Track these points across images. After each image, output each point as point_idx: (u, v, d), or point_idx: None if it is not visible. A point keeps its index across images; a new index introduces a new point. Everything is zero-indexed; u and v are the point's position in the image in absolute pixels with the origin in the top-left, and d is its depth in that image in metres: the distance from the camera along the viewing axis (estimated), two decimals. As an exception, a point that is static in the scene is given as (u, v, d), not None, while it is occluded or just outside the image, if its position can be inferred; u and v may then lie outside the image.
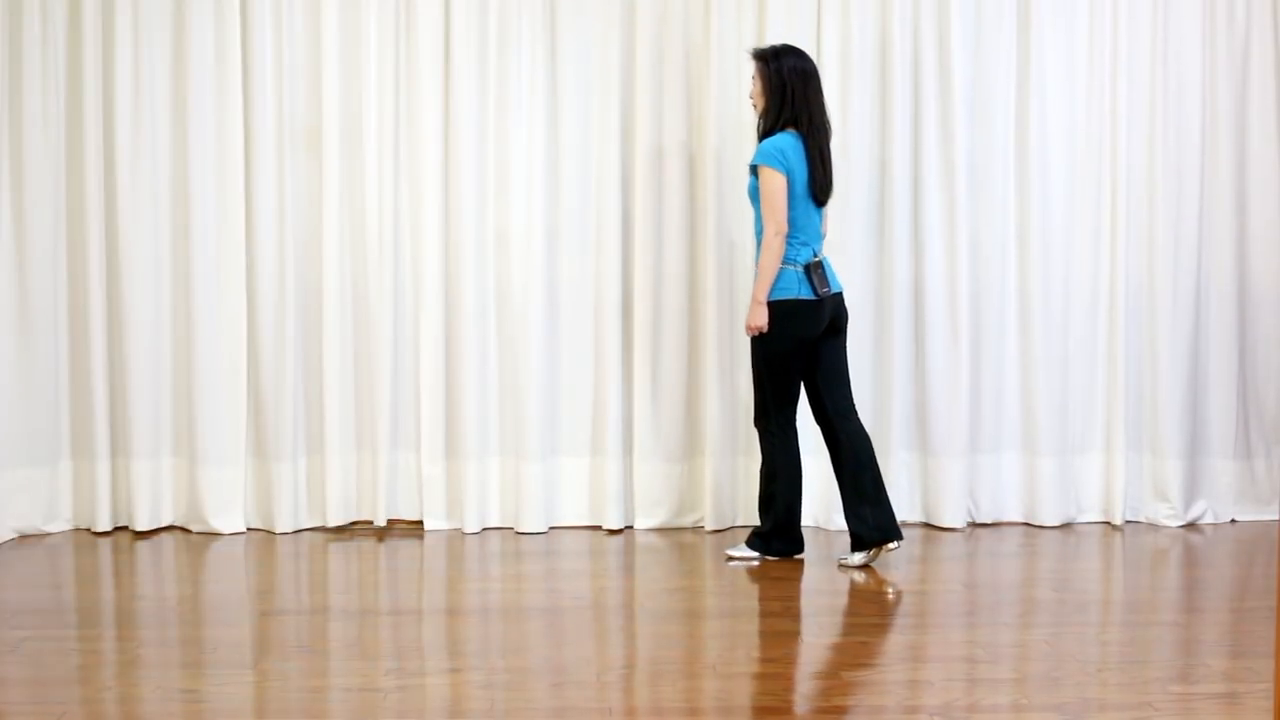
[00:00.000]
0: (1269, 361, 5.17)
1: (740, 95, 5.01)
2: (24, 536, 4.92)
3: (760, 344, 4.45)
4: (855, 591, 4.17)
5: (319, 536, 4.96)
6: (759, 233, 4.45)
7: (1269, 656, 3.38)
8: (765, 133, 4.46)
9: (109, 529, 4.96)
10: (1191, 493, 5.14)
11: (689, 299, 5.02)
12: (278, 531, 4.98)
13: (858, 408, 4.74)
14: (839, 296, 4.49)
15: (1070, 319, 5.10)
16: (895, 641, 3.65)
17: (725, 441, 5.03)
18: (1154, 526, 5.10)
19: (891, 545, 4.42)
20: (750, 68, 4.53)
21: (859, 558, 4.44)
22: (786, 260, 4.39)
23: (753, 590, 4.27)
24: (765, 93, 4.46)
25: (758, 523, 4.70)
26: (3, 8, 4.83)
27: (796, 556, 4.57)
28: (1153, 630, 3.71)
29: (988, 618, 3.85)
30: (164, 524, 5.03)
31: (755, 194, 4.43)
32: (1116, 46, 5.05)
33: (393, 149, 5.01)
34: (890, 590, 4.17)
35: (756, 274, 4.41)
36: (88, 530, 5.00)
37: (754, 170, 4.42)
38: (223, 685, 3.24)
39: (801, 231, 4.41)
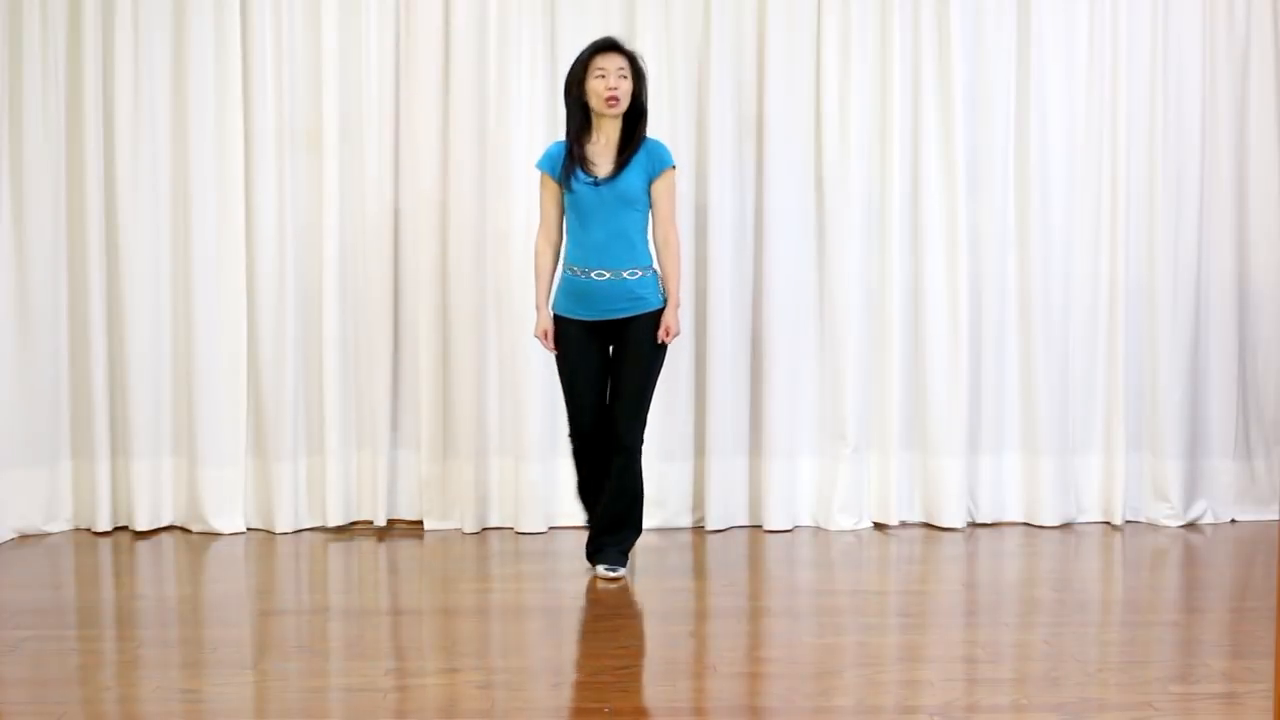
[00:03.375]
0: (1269, 361, 5.18)
1: (741, 94, 5.01)
2: (24, 536, 4.92)
3: (662, 353, 4.28)
4: (855, 591, 4.17)
5: (319, 536, 4.95)
6: (637, 233, 4.20)
7: (1269, 656, 3.37)
8: (643, 133, 4.23)
9: (109, 529, 4.96)
10: (1191, 493, 5.14)
11: (692, 298, 5.02)
12: (278, 531, 4.98)
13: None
14: None
15: (1070, 319, 5.11)
16: (895, 641, 3.65)
17: (727, 441, 5.03)
18: (1154, 526, 5.10)
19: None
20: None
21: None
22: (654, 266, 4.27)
23: (752, 590, 4.27)
24: (634, 92, 4.21)
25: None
26: (3, 8, 4.83)
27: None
28: (1153, 630, 3.70)
29: (988, 618, 3.85)
30: (164, 524, 5.03)
31: (645, 194, 4.21)
32: (1116, 46, 5.05)
33: (393, 149, 5.01)
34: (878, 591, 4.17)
35: (666, 276, 4.24)
36: (88, 530, 5.00)
37: (664, 171, 4.21)
38: (223, 685, 3.23)
39: None
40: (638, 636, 3.71)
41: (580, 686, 3.25)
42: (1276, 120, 5.13)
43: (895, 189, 5.02)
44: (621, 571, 4.30)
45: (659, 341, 4.24)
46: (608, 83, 4.14)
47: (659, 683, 3.29)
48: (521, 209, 4.98)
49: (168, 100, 4.96)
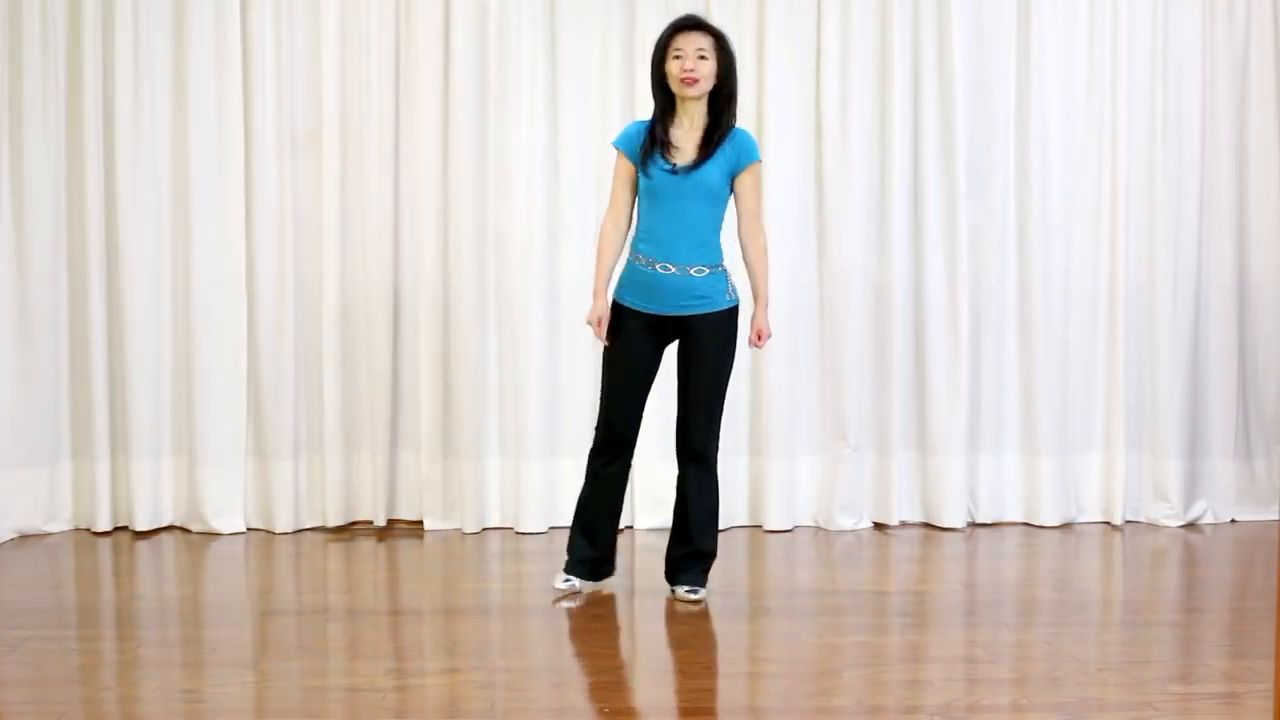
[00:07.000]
0: (1269, 361, 5.18)
1: (742, 94, 4.98)
2: (24, 536, 4.92)
3: (733, 354, 4.04)
4: (855, 591, 4.17)
5: (319, 536, 4.95)
6: (710, 228, 3.93)
7: (1269, 656, 3.37)
8: (730, 123, 3.94)
9: (109, 529, 4.96)
10: (1191, 493, 5.14)
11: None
12: (278, 531, 4.98)
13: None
14: None
15: (1070, 318, 5.11)
16: (895, 641, 3.65)
17: (728, 441, 5.02)
18: (1154, 526, 5.10)
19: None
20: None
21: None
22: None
23: (752, 590, 4.27)
24: (718, 74, 3.90)
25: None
26: (3, 8, 4.83)
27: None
28: (1153, 630, 3.70)
29: (988, 618, 3.85)
30: (164, 524, 5.03)
31: (724, 187, 3.93)
32: (1116, 45, 5.05)
33: (393, 149, 5.01)
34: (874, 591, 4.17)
35: (755, 276, 3.99)
36: (88, 530, 4.99)
37: (749, 166, 3.93)
38: (223, 685, 3.23)
39: None
40: (638, 636, 3.70)
41: (580, 686, 3.26)
42: (1276, 120, 5.13)
43: (895, 188, 5.01)
44: (703, 593, 4.02)
45: (750, 345, 4.04)
46: (684, 65, 3.85)
47: (659, 683, 3.29)
48: (521, 209, 4.98)
49: (168, 100, 4.96)
